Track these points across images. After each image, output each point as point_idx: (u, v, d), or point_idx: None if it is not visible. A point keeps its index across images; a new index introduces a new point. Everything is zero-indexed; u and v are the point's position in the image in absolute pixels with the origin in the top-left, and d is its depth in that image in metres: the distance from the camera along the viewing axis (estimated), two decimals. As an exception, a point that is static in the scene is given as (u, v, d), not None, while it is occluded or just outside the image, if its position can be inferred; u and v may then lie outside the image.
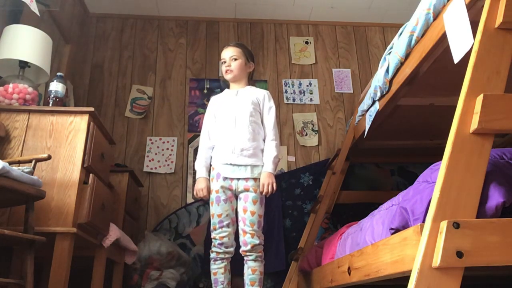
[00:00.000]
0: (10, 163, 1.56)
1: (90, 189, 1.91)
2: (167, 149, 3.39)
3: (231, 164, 2.13)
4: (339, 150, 3.05)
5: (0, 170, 1.41)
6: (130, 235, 2.57)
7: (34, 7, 2.17)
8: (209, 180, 2.21)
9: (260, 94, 2.30)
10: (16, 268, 1.89)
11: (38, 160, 1.68)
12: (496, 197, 1.12)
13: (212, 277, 2.09)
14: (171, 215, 3.18)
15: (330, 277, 1.96)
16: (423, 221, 1.15)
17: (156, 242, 2.73)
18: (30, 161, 1.67)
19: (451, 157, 1.11)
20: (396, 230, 1.35)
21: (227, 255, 2.09)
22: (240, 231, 2.10)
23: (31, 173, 1.60)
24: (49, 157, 1.68)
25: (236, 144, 2.14)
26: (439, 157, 1.17)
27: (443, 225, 1.04)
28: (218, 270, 2.08)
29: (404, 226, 1.32)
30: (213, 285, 2.09)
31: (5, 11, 2.37)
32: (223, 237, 2.08)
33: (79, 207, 1.86)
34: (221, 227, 2.09)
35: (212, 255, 2.11)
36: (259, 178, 2.14)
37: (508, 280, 2.09)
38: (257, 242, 2.07)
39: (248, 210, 2.09)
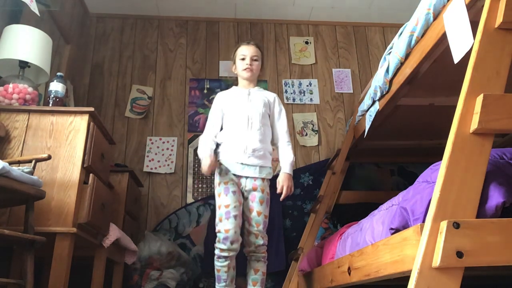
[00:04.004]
0: (10, 163, 1.56)
1: (90, 189, 1.91)
2: (167, 149, 3.39)
3: (241, 163, 2.12)
4: (339, 150, 3.05)
5: (0, 170, 1.41)
6: (130, 235, 2.57)
7: (34, 7, 2.17)
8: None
9: (271, 97, 2.31)
10: (16, 268, 1.90)
11: (38, 160, 1.68)
12: (496, 197, 1.12)
13: (216, 273, 2.05)
14: (171, 215, 3.18)
15: (330, 277, 1.96)
16: (423, 221, 1.14)
17: (156, 242, 2.73)
18: (30, 161, 1.67)
19: (451, 157, 1.11)
20: (396, 230, 1.35)
21: (231, 253, 2.01)
22: (245, 231, 2.09)
23: (31, 173, 1.60)
24: (49, 157, 1.68)
25: (248, 144, 2.13)
26: (439, 157, 1.17)
27: (443, 225, 1.04)
28: (221, 268, 2.03)
29: (404, 226, 1.32)
30: (216, 281, 2.06)
31: (5, 11, 2.37)
32: (229, 229, 2.00)
33: (79, 207, 1.86)
34: (228, 218, 2.02)
35: (216, 251, 2.03)
36: (267, 179, 2.16)
37: (508, 280, 2.09)
38: (261, 242, 2.07)
39: (255, 210, 2.09)
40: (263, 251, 2.09)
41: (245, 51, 2.28)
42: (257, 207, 2.09)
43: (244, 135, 2.15)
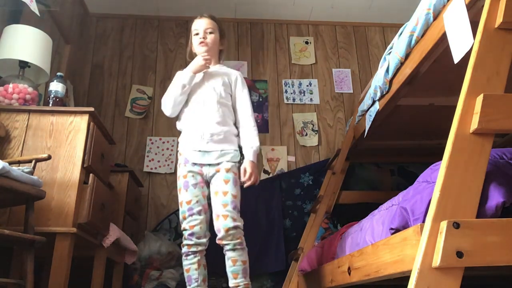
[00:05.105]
0: (10, 163, 1.56)
1: (90, 189, 1.91)
2: (167, 149, 3.39)
3: (199, 150, 1.93)
4: (339, 150, 3.05)
5: (0, 170, 1.41)
6: (130, 235, 2.57)
7: (34, 7, 2.17)
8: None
9: (232, 75, 2.09)
10: (16, 268, 1.89)
11: (38, 160, 1.68)
12: (496, 197, 1.12)
13: (185, 274, 1.84)
14: (171, 215, 3.18)
15: (330, 277, 1.96)
16: (423, 221, 1.15)
17: (156, 242, 2.74)
18: (30, 161, 1.67)
19: (451, 157, 1.11)
20: (396, 230, 1.35)
21: (199, 248, 1.83)
22: (214, 218, 1.86)
23: (31, 173, 1.60)
24: (49, 157, 1.68)
25: (205, 128, 1.94)
26: (439, 157, 1.17)
27: (443, 225, 1.04)
28: (190, 266, 1.82)
29: (404, 226, 1.32)
30: (186, 284, 1.84)
31: (5, 11, 2.37)
32: (194, 225, 1.83)
33: (79, 207, 1.86)
34: (191, 215, 1.85)
35: (184, 249, 1.85)
36: (230, 162, 1.93)
37: (508, 280, 2.09)
38: (231, 225, 1.80)
39: (220, 192, 1.86)
40: (238, 237, 1.82)
41: (198, 25, 2.08)
42: (222, 188, 1.86)
43: (201, 119, 1.97)
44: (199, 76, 2.05)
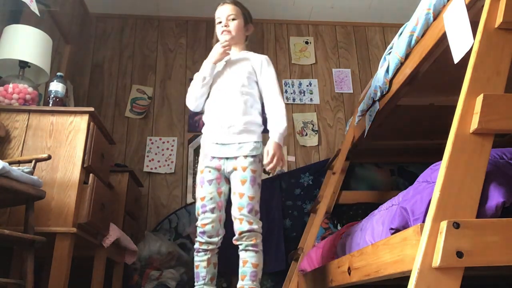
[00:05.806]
0: (10, 163, 1.56)
1: (90, 189, 1.91)
2: (167, 149, 3.39)
3: (217, 143, 1.86)
4: (339, 150, 3.05)
5: (0, 170, 1.41)
6: (130, 235, 2.57)
7: (34, 7, 2.17)
8: None
9: (257, 61, 1.98)
10: (16, 268, 1.90)
11: (38, 160, 1.68)
12: (496, 197, 1.12)
13: (195, 270, 1.84)
14: (171, 215, 3.18)
15: (330, 277, 1.96)
16: (423, 221, 1.15)
17: (156, 242, 2.74)
18: (30, 161, 1.67)
19: (451, 157, 1.11)
20: (396, 230, 1.35)
21: (210, 246, 1.82)
22: (232, 217, 1.83)
23: (31, 173, 1.60)
24: (49, 157, 1.68)
25: (224, 119, 1.86)
26: (439, 157, 1.17)
27: (443, 225, 1.04)
28: (200, 263, 1.82)
29: (404, 226, 1.32)
30: (195, 280, 1.84)
31: (5, 11, 2.37)
32: (206, 224, 1.81)
33: (79, 207, 1.86)
34: (204, 212, 1.82)
35: (196, 245, 1.85)
36: (249, 156, 1.83)
37: (508, 280, 2.09)
38: (245, 229, 1.76)
39: (237, 193, 1.80)
40: (252, 239, 1.77)
41: (220, 13, 2.00)
42: (238, 189, 1.80)
43: (221, 109, 1.90)
44: (221, 64, 1.99)
